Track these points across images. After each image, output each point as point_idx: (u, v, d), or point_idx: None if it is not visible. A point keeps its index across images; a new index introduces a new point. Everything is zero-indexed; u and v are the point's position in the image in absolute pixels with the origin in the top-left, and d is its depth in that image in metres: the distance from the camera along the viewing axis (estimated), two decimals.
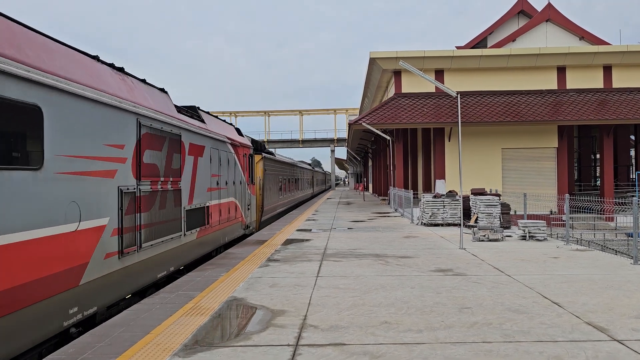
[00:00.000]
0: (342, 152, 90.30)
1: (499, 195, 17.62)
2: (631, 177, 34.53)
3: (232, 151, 14.06)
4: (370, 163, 61.97)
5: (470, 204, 17.30)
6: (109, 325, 5.88)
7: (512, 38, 31.75)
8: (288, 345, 5.11)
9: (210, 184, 11.77)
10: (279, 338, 5.33)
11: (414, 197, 20.23)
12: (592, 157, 36.47)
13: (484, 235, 13.21)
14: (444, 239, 13.60)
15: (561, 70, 28.20)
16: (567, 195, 13.82)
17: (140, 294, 8.27)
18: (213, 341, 5.27)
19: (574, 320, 5.86)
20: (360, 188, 73.04)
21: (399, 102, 27.67)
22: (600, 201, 15.17)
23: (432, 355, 4.78)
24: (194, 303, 6.87)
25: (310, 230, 16.36)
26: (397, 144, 29.14)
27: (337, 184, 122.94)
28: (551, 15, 31.41)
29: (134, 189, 7.61)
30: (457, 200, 17.57)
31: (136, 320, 6.09)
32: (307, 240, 13.69)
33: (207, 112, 12.77)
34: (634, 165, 37.65)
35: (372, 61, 28.58)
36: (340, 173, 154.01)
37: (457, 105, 16.28)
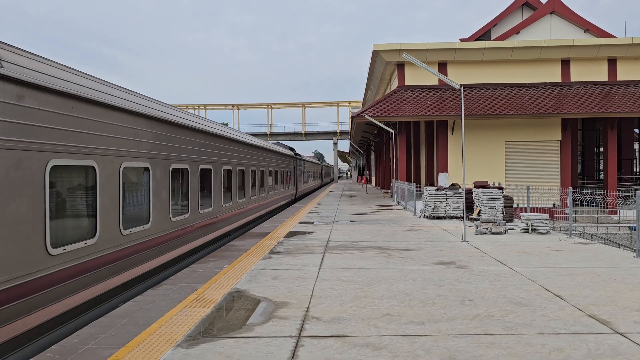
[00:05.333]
0: (345, 145, 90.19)
1: (501, 188, 17.60)
2: (635, 170, 34.43)
3: None
4: (373, 156, 61.94)
5: (473, 197, 17.28)
6: (112, 316, 5.92)
7: (516, 30, 31.57)
8: (290, 336, 5.13)
9: None
10: (282, 329, 5.35)
11: (416, 190, 20.21)
12: (596, 150, 36.36)
13: (487, 228, 13.20)
14: (446, 232, 13.60)
15: (565, 63, 28.06)
16: (570, 188, 13.79)
17: None
18: (216, 332, 5.29)
19: (576, 313, 5.86)
20: (362, 181, 73.04)
21: (402, 95, 27.59)
22: (604, 194, 15.13)
23: (434, 347, 4.79)
24: (197, 295, 6.89)
25: (313, 222, 16.38)
26: (400, 137, 29.10)
27: (339, 177, 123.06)
28: (556, 7, 31.20)
29: None
30: (460, 193, 17.55)
31: (139, 311, 6.12)
32: (309, 232, 13.71)
33: None
34: (637, 159, 37.53)
35: (376, 53, 28.49)
36: (343, 166, 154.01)
37: (461, 98, 16.22)
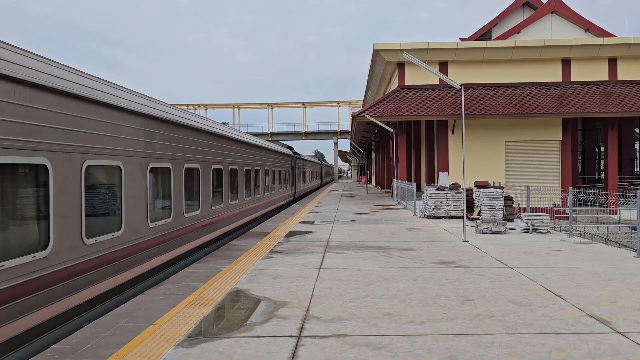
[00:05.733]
0: (345, 145, 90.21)
1: (502, 188, 17.59)
2: (635, 169, 34.42)
3: None
4: (373, 155, 61.94)
5: (474, 197, 17.28)
6: (113, 316, 5.92)
7: (516, 30, 31.55)
8: (291, 336, 5.14)
9: None
10: (282, 329, 5.35)
11: (417, 190, 20.21)
12: (597, 149, 36.34)
13: (487, 228, 13.20)
14: (446, 232, 13.60)
15: (566, 63, 28.05)
16: (570, 188, 13.79)
17: None
18: (216, 332, 5.30)
19: (576, 313, 5.86)
20: (363, 180, 73.05)
21: (403, 95, 27.58)
22: (604, 194, 15.13)
23: (434, 346, 4.79)
24: (198, 294, 6.90)
25: (313, 222, 16.38)
26: (401, 137, 29.10)
27: (340, 177, 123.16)
28: (556, 7, 31.18)
29: None
30: (460, 192, 17.55)
31: (140, 311, 6.13)
32: (310, 232, 13.71)
33: None
34: (638, 158, 37.50)
35: (376, 53, 28.49)
36: (344, 165, 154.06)
37: (461, 98, 16.22)
